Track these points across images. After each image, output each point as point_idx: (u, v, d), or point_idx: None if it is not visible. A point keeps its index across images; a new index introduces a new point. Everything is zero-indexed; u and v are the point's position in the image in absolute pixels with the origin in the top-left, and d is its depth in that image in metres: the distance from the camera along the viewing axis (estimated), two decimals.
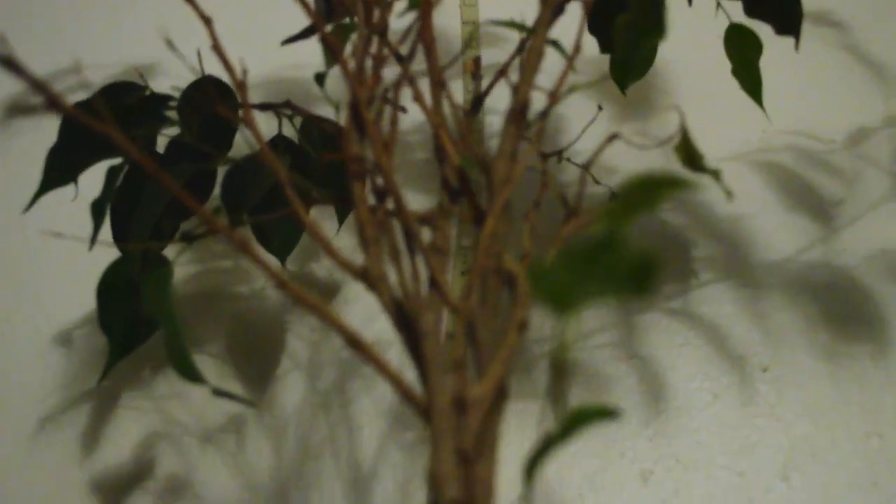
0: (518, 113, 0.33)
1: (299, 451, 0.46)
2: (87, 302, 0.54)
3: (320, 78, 0.37)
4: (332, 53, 0.35)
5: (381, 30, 0.37)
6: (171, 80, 0.67)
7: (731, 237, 0.53)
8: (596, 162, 0.45)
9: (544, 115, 0.35)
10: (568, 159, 0.47)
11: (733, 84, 0.58)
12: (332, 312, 0.29)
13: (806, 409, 0.45)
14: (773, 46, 0.59)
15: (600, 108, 0.50)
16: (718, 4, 0.52)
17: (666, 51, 0.64)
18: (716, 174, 0.34)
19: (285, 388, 0.49)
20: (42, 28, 0.73)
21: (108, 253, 0.55)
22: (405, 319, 0.29)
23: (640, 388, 0.47)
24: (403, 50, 0.60)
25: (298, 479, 0.46)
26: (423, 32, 0.37)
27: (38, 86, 0.27)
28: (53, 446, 0.48)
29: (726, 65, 0.50)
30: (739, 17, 0.56)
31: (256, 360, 0.50)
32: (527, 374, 0.48)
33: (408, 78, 0.36)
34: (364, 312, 0.51)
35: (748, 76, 0.48)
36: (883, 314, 0.48)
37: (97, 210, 0.37)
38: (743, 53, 0.48)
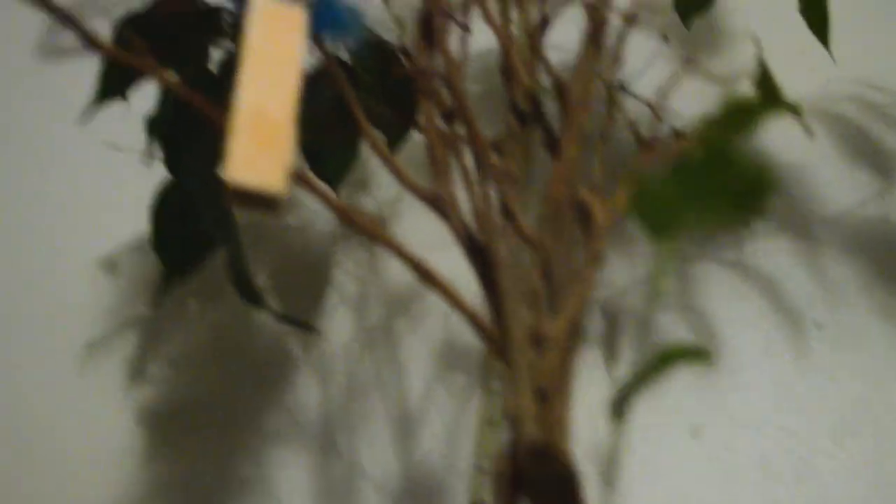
0: (596, 32, 0.32)
1: (346, 390, 0.46)
2: (131, 229, 0.53)
3: None
4: None
5: None
6: None
7: (788, 188, 0.51)
8: (663, 96, 0.43)
9: (621, 38, 0.33)
10: (633, 94, 0.45)
11: (799, 31, 0.56)
12: (397, 242, 0.28)
13: (861, 370, 0.44)
14: None
15: (666, 37, 0.48)
16: None
17: None
18: (796, 110, 0.33)
19: (332, 324, 0.48)
20: None
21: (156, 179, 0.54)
22: (477, 247, 0.28)
23: (692, 341, 0.46)
24: None
25: (345, 419, 0.45)
26: None
27: (70, 21, 0.26)
28: (100, 371, 0.48)
29: (792, 9, 0.47)
30: None
31: (303, 294, 0.49)
32: None
33: None
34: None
35: (816, 15, 0.46)
36: None
37: (152, 126, 0.36)
38: None
